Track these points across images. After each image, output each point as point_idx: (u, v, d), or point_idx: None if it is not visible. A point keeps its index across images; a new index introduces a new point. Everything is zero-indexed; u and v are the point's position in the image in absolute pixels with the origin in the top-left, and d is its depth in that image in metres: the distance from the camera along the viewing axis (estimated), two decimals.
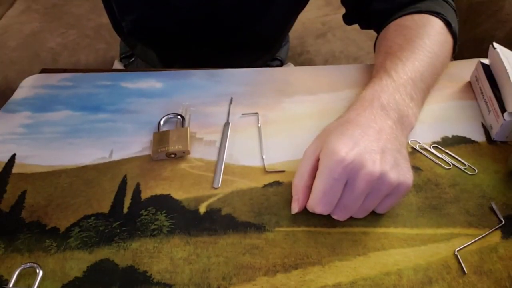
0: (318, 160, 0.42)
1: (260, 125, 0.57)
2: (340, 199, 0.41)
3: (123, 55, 0.96)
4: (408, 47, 0.52)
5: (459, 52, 0.62)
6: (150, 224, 0.46)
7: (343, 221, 0.46)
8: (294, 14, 0.81)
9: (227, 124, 0.57)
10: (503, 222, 0.45)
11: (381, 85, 0.47)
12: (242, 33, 0.74)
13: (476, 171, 0.51)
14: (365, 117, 0.43)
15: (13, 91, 0.65)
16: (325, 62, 1.15)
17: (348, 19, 0.70)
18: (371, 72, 0.65)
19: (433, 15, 0.57)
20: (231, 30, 0.73)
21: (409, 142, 0.54)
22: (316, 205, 0.42)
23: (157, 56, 0.82)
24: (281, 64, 0.97)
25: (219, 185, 0.50)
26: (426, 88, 0.52)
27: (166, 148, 0.52)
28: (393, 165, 0.41)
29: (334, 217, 0.43)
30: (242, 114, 0.58)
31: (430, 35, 0.55)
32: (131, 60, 0.95)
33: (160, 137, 0.54)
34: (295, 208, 0.45)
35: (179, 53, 0.80)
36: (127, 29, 0.77)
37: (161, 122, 0.57)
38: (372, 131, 0.42)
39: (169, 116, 0.58)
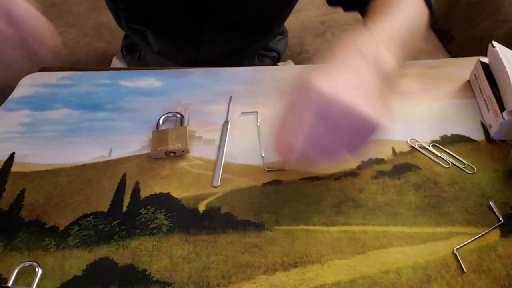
0: None
1: (259, 124, 0.57)
2: (323, 141, 0.40)
3: (124, 47, 0.96)
4: (387, 11, 0.52)
5: (458, 51, 0.62)
6: (149, 223, 0.46)
7: (342, 220, 0.46)
8: (285, 1, 0.80)
9: (226, 122, 0.57)
10: (502, 220, 0.45)
11: (359, 34, 0.47)
12: (231, 14, 0.74)
13: (475, 169, 0.51)
14: (341, 58, 0.44)
15: (12, 89, 0.64)
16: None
17: (331, 1, 0.70)
18: None
19: None
20: (221, 10, 0.73)
21: (408, 141, 0.54)
22: (287, 141, 0.40)
23: (156, 40, 0.82)
24: (279, 56, 0.97)
25: (219, 184, 0.50)
26: (404, 48, 0.50)
27: (165, 146, 0.52)
28: (363, 100, 0.40)
29: (310, 154, 0.41)
30: (242, 113, 0.58)
31: (408, 3, 0.55)
32: (135, 50, 0.95)
33: (159, 136, 0.53)
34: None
35: (173, 36, 0.80)
36: (124, 18, 0.78)
37: (160, 121, 0.57)
38: (348, 69, 0.42)
39: (168, 114, 0.58)
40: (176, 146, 0.52)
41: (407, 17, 0.53)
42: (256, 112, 0.58)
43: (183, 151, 0.52)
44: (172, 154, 0.52)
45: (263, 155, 0.53)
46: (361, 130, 0.41)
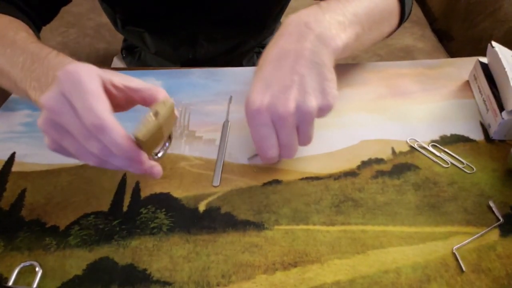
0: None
1: None
2: (278, 140, 0.43)
3: (124, 48, 0.96)
4: None
5: (457, 51, 0.62)
6: (149, 223, 0.47)
7: (342, 219, 0.46)
8: None
9: (226, 122, 0.57)
10: (501, 220, 0.45)
11: (306, 10, 0.47)
12: (225, 10, 0.74)
13: (474, 169, 0.51)
14: (280, 46, 0.44)
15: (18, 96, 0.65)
16: None
17: None
18: (369, 72, 0.66)
19: None
20: (215, 6, 0.73)
21: (408, 140, 0.54)
22: (263, 153, 0.44)
23: (153, 41, 0.82)
24: None
25: (219, 184, 0.50)
26: (360, 23, 0.50)
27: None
28: (311, 91, 0.42)
29: (285, 156, 0.45)
30: None
31: None
32: (135, 51, 0.95)
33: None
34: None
35: (170, 36, 0.81)
36: (120, 20, 0.78)
37: None
38: (286, 62, 0.43)
39: None
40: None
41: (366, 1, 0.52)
42: None
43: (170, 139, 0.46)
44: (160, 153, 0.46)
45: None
46: (320, 115, 0.44)
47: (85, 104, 0.34)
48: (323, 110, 0.43)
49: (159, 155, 0.45)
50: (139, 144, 0.37)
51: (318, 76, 0.43)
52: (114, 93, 0.39)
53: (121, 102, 0.40)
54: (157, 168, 0.41)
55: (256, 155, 0.52)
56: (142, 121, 0.37)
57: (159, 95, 0.40)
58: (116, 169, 0.39)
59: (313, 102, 0.42)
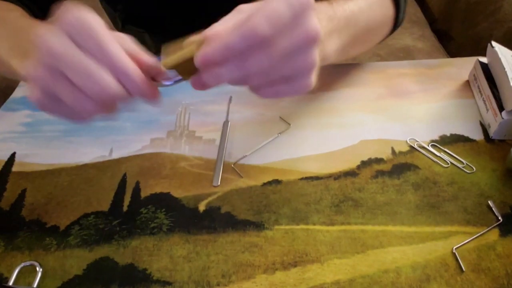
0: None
1: (279, 134, 0.56)
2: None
3: None
4: None
5: (457, 51, 0.62)
6: (149, 222, 0.47)
7: (342, 219, 0.46)
8: None
9: (226, 122, 0.57)
10: (501, 220, 0.45)
11: (318, 5, 0.43)
12: (227, 11, 0.74)
13: (474, 169, 0.51)
14: None
15: (13, 89, 0.65)
16: None
17: None
18: (371, 72, 0.66)
19: None
20: (216, 8, 0.73)
21: (408, 140, 0.54)
22: (256, 19, 0.32)
23: (153, 42, 0.82)
24: None
25: (219, 184, 0.50)
26: (353, 34, 0.49)
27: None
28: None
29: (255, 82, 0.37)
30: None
31: None
32: None
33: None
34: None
35: (170, 36, 0.81)
36: (120, 19, 0.78)
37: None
38: None
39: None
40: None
41: (365, 8, 0.51)
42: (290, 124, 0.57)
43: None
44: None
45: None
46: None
47: (101, 48, 0.32)
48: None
49: (167, 83, 0.41)
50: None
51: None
52: None
53: None
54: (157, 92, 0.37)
55: (242, 158, 0.51)
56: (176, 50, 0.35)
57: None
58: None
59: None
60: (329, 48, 0.43)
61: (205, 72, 0.34)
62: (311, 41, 0.34)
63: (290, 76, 0.35)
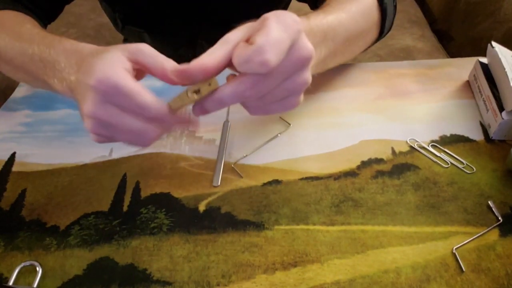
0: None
1: (279, 134, 0.56)
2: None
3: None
4: (325, 8, 0.51)
5: (457, 51, 0.62)
6: (149, 222, 0.47)
7: (342, 219, 0.46)
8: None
9: (226, 122, 0.57)
10: (501, 220, 0.45)
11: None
12: (227, 12, 0.74)
13: (474, 169, 0.51)
14: None
15: (13, 89, 0.65)
16: None
17: None
18: (369, 72, 0.66)
19: None
20: (216, 8, 0.73)
21: (408, 140, 0.54)
22: (265, 52, 0.32)
23: (153, 42, 0.82)
24: None
25: (219, 184, 0.50)
26: (333, 48, 0.48)
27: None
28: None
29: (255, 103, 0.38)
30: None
31: (359, 3, 0.54)
32: None
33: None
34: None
35: (169, 37, 0.81)
36: (120, 19, 0.78)
37: None
38: None
39: None
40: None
41: (348, 19, 0.51)
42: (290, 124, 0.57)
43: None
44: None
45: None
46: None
47: (135, 104, 0.36)
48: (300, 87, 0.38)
49: None
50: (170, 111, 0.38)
51: None
52: (143, 69, 0.40)
53: (141, 72, 0.42)
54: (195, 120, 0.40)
55: (241, 158, 0.52)
56: (181, 95, 0.37)
57: (201, 75, 0.36)
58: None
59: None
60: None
61: (209, 102, 0.36)
62: (305, 62, 0.35)
63: (284, 97, 0.37)
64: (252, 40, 0.33)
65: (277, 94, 0.36)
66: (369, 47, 0.60)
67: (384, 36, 0.61)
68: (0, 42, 0.49)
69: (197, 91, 0.36)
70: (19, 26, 0.51)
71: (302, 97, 0.38)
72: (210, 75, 0.35)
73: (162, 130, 0.39)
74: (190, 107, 0.38)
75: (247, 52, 0.33)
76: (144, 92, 0.36)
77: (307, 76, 0.36)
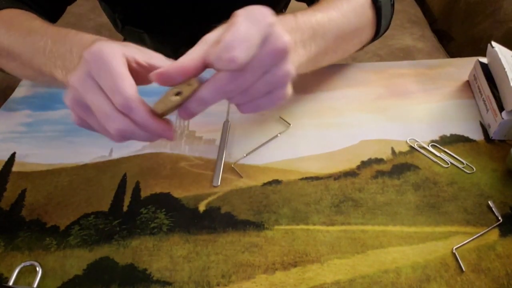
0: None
1: (279, 134, 0.56)
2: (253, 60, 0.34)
3: None
4: (315, 6, 0.51)
5: (457, 51, 0.62)
6: (149, 222, 0.47)
7: (342, 219, 0.46)
8: None
9: (226, 122, 0.57)
10: (501, 220, 0.45)
11: (280, 18, 0.42)
12: (226, 11, 0.74)
13: (474, 169, 0.51)
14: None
15: (13, 89, 0.65)
16: None
17: None
18: (369, 72, 0.66)
19: None
20: (216, 8, 0.73)
21: (408, 140, 0.54)
22: (232, 49, 0.33)
23: (152, 42, 0.82)
24: None
25: (219, 184, 0.50)
26: (324, 46, 0.48)
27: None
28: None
29: (236, 99, 0.37)
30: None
31: (350, 2, 0.53)
32: None
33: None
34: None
35: (169, 37, 0.81)
36: (120, 20, 0.78)
37: None
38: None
39: None
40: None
41: (339, 16, 0.51)
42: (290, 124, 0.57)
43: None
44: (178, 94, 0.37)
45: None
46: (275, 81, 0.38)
47: (111, 84, 0.35)
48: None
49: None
50: (155, 116, 0.37)
51: None
52: (138, 69, 0.39)
53: (144, 77, 0.40)
54: (169, 131, 0.38)
55: (241, 158, 0.52)
56: (162, 98, 0.36)
57: (181, 76, 0.36)
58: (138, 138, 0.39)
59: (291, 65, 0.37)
60: (295, 60, 0.43)
61: (191, 102, 0.36)
62: (282, 54, 0.35)
63: (268, 91, 0.37)
64: (221, 38, 0.34)
65: (260, 88, 0.36)
66: (365, 45, 0.60)
67: (381, 35, 0.61)
68: (9, 38, 0.49)
69: (178, 93, 0.36)
70: (28, 21, 0.51)
71: (289, 89, 0.38)
72: (189, 75, 0.36)
73: (130, 128, 0.37)
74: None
75: (216, 50, 0.33)
76: (127, 79, 0.35)
77: (288, 68, 0.36)
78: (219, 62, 0.34)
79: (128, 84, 0.35)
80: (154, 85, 0.38)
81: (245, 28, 0.34)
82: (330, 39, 0.49)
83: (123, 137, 0.38)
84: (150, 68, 0.39)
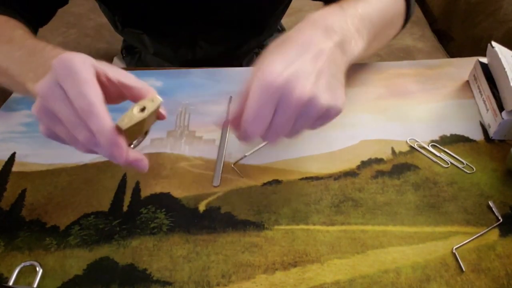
0: None
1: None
2: (272, 121, 0.39)
3: (124, 48, 0.96)
4: None
5: (457, 51, 0.62)
6: (149, 222, 0.47)
7: (342, 219, 0.46)
8: None
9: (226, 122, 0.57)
10: (501, 220, 0.45)
11: (329, 11, 0.45)
12: (225, 11, 0.74)
13: (474, 169, 0.51)
14: (306, 35, 0.42)
15: (18, 93, 0.65)
16: None
17: None
18: (371, 72, 0.66)
19: None
20: (215, 8, 0.73)
21: (408, 140, 0.54)
22: (248, 126, 0.39)
23: (152, 43, 0.82)
24: None
25: (219, 184, 0.50)
26: (373, 31, 0.50)
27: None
28: (326, 89, 0.40)
29: (267, 139, 0.41)
30: None
31: None
32: (135, 52, 0.95)
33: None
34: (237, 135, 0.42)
35: (169, 37, 0.81)
36: (119, 22, 0.78)
37: None
38: (311, 51, 0.41)
39: None
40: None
41: (379, 3, 0.52)
42: None
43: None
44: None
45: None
46: (323, 117, 0.41)
47: (77, 90, 0.35)
48: (329, 113, 0.41)
49: (131, 147, 0.43)
50: (119, 133, 0.37)
51: (334, 78, 0.41)
52: (107, 85, 0.38)
53: (113, 95, 0.40)
54: (142, 162, 0.39)
55: (240, 159, 0.52)
56: (127, 113, 0.37)
57: (149, 94, 0.39)
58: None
59: (324, 99, 0.39)
60: (358, 52, 0.45)
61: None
62: (303, 104, 0.38)
63: (309, 126, 0.42)
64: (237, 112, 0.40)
65: (298, 127, 0.41)
66: (398, 33, 0.61)
67: (408, 21, 0.62)
68: None
69: (143, 109, 0.37)
70: (10, 30, 0.52)
71: (335, 111, 0.41)
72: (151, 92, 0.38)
73: (91, 139, 0.36)
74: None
75: (236, 132, 0.42)
76: (93, 86, 0.35)
77: (318, 107, 0.39)
78: (241, 138, 0.41)
79: (93, 91, 0.35)
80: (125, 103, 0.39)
81: (256, 103, 0.38)
82: (377, 25, 0.50)
83: (88, 149, 0.38)
84: (120, 86, 0.39)
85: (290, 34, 0.43)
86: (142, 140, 0.44)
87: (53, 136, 0.39)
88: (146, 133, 0.44)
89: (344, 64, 0.43)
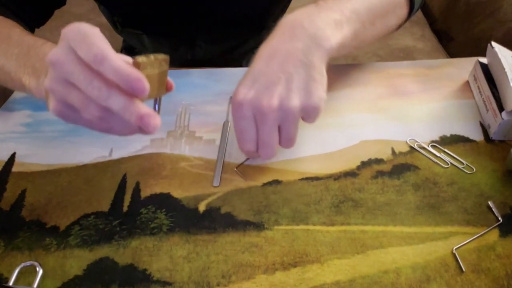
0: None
1: None
2: (258, 136, 0.43)
3: (124, 48, 0.96)
4: None
5: (457, 52, 0.62)
6: (149, 223, 0.47)
7: (342, 220, 0.46)
8: None
9: (226, 122, 0.57)
10: (501, 220, 0.45)
11: (301, 10, 0.47)
12: (224, 11, 0.75)
13: (474, 170, 0.51)
14: (275, 40, 0.45)
15: (13, 90, 0.65)
16: None
17: None
18: (371, 72, 0.66)
19: None
20: (214, 8, 0.73)
21: (408, 141, 0.54)
22: (241, 146, 0.45)
23: (151, 44, 0.82)
24: None
25: (219, 184, 0.50)
26: (360, 19, 0.50)
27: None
28: (297, 89, 0.42)
29: (263, 155, 0.45)
30: None
31: None
32: (135, 51, 0.95)
33: None
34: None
35: (168, 37, 0.81)
36: (119, 22, 0.78)
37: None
38: (277, 59, 0.43)
39: None
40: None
41: None
42: None
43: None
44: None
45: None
46: (306, 116, 0.44)
47: (88, 45, 0.34)
48: (308, 111, 0.43)
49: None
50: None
51: (306, 76, 0.43)
52: None
53: None
54: (155, 118, 0.36)
55: (243, 162, 0.52)
56: (146, 55, 0.38)
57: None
58: (116, 125, 0.38)
59: (296, 101, 0.42)
60: (336, 41, 0.46)
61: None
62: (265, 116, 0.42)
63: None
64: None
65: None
66: (402, 24, 0.61)
67: (415, 12, 0.61)
68: None
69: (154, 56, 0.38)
70: (7, 29, 0.52)
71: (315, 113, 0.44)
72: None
73: (109, 93, 0.35)
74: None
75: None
76: (106, 42, 0.35)
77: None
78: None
79: (105, 44, 0.35)
80: None
81: (237, 123, 0.44)
82: (364, 14, 0.50)
83: (101, 111, 0.36)
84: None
85: (261, 46, 0.46)
86: (159, 108, 0.43)
87: (65, 109, 0.38)
88: (159, 100, 0.43)
89: (320, 57, 0.44)
